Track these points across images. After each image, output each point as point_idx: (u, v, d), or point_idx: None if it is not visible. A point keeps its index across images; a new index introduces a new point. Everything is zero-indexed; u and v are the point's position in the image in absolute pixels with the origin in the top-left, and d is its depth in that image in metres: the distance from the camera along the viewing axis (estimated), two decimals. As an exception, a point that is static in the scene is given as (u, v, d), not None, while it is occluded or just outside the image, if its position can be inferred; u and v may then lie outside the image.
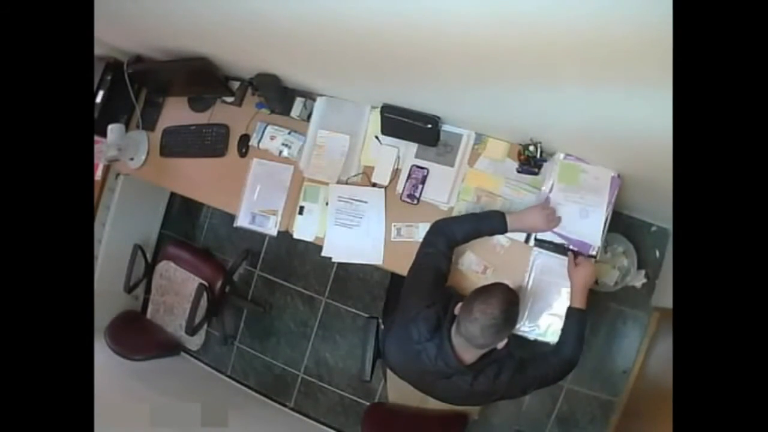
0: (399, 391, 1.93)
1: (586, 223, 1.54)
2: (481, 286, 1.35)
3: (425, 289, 1.45)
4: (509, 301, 1.30)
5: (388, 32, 1.05)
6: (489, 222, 1.49)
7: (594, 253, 1.54)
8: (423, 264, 1.50)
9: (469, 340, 1.29)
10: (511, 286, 1.57)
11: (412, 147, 1.72)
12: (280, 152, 1.85)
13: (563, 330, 1.49)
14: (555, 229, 1.54)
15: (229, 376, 2.73)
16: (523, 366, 1.42)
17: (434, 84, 1.34)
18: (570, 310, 1.49)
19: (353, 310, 2.56)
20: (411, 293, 1.48)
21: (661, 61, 0.77)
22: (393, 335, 1.51)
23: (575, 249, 1.54)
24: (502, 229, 1.49)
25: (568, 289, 1.56)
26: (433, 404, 1.81)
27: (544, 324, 1.59)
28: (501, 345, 1.33)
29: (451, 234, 1.50)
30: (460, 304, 1.34)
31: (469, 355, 1.35)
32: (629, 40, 0.79)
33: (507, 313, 1.27)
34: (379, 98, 1.67)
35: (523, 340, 1.60)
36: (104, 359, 2.19)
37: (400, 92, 1.55)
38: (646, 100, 0.98)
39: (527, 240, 1.60)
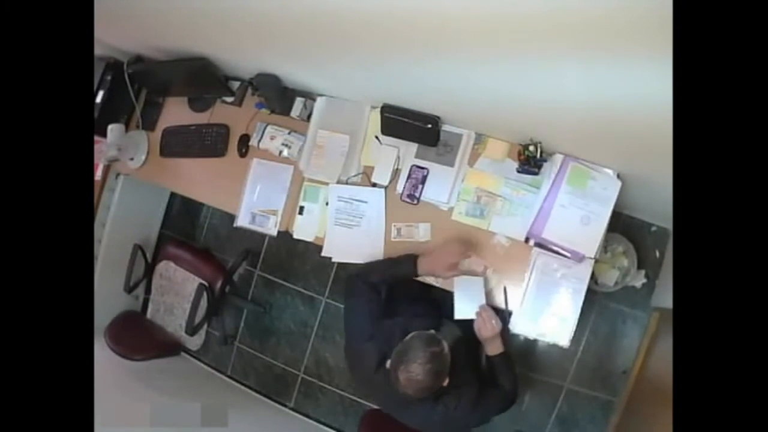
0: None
1: (585, 230, 1.54)
2: (399, 346, 1.31)
3: (360, 324, 1.49)
4: (429, 357, 1.25)
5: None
6: (401, 269, 1.56)
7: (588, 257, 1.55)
8: (353, 302, 1.55)
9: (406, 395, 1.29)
10: (511, 286, 1.59)
11: (412, 147, 1.72)
12: (280, 152, 1.85)
13: (495, 375, 1.51)
14: (548, 237, 1.55)
15: (229, 376, 2.73)
16: (482, 396, 1.43)
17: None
18: (488, 360, 1.52)
19: (353, 310, 2.56)
20: (348, 325, 1.54)
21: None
22: (352, 355, 1.53)
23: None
24: (413, 274, 1.55)
25: (569, 289, 1.57)
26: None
27: (544, 324, 1.59)
28: (445, 384, 1.31)
29: (369, 281, 1.54)
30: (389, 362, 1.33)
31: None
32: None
33: (432, 371, 1.25)
34: (369, 92, 1.66)
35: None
36: (104, 359, 2.19)
37: (393, 83, 1.50)
38: (647, 88, 0.94)
39: (527, 240, 1.60)
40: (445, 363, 1.29)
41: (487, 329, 1.48)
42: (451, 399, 1.38)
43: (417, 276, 1.56)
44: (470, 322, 1.52)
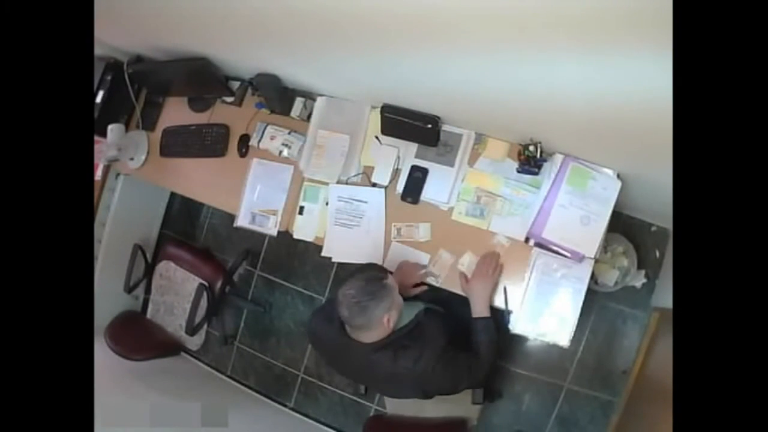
0: (397, 401, 1.93)
1: (585, 230, 1.53)
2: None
3: (324, 315, 1.52)
4: (369, 278, 1.31)
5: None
6: None
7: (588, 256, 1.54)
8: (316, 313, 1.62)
9: (346, 323, 1.33)
10: (511, 286, 1.59)
11: (412, 147, 1.72)
12: (280, 152, 1.85)
13: (474, 340, 1.50)
14: (548, 237, 1.55)
15: (229, 376, 2.73)
16: (448, 355, 1.40)
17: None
18: (474, 322, 1.52)
19: (353, 310, 2.55)
20: (312, 322, 1.59)
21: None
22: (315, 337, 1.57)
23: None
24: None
25: (569, 289, 1.57)
26: (430, 413, 1.81)
27: (544, 324, 1.59)
28: (386, 321, 1.31)
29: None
30: None
31: (365, 337, 1.35)
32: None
33: (367, 290, 1.28)
34: (369, 92, 1.66)
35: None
36: (104, 359, 2.19)
37: (393, 82, 1.48)
38: (648, 86, 0.93)
39: (527, 240, 1.60)
40: (384, 289, 1.30)
41: (481, 272, 1.56)
42: (412, 352, 1.37)
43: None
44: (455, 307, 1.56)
